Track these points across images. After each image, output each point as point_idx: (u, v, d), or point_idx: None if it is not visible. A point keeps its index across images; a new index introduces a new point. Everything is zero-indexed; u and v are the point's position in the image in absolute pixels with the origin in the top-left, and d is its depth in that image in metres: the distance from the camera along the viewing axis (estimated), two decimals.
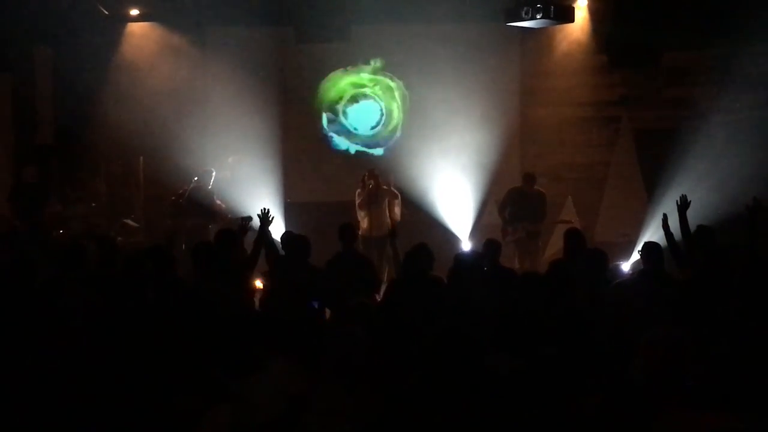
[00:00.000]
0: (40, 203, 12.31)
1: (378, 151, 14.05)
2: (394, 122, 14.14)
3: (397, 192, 12.34)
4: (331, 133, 14.21)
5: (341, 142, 14.20)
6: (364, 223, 11.85)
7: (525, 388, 4.45)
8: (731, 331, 5.74)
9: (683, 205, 8.07)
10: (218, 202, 12.27)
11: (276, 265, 8.31)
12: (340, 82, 14.15)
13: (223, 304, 6.49)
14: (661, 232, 8.12)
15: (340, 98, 14.18)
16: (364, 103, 14.25)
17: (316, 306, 7.60)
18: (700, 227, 8.10)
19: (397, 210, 12.28)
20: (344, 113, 14.21)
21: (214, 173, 12.30)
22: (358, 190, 12.14)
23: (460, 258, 7.84)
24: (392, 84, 14.06)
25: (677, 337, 4.86)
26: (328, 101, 14.17)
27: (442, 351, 4.56)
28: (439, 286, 7.50)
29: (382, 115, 14.20)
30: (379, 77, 14.10)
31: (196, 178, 12.29)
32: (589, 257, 7.67)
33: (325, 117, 14.19)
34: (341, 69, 14.06)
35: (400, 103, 14.08)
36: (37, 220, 11.95)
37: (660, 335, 4.93)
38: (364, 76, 14.13)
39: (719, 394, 4.31)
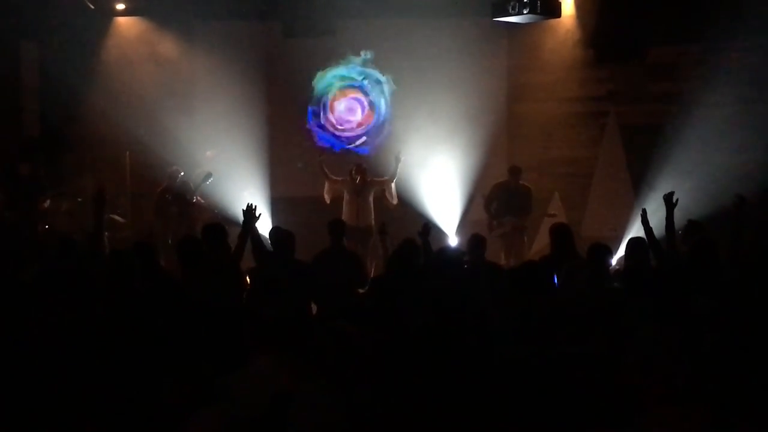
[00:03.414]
0: (35, 197, 12.33)
1: (363, 150, 14.06)
2: (381, 118, 14.13)
3: (380, 179, 12.37)
4: (316, 128, 14.20)
5: (325, 138, 14.17)
6: (349, 213, 11.84)
7: (512, 383, 4.45)
8: (717, 327, 5.76)
9: (670, 201, 7.98)
10: (198, 199, 12.29)
11: (262, 261, 8.29)
12: (328, 76, 14.14)
13: (209, 300, 6.48)
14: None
15: (326, 92, 14.18)
16: (350, 98, 14.22)
17: None
18: (690, 222, 8.08)
19: (393, 192, 12.44)
20: (330, 107, 14.21)
21: (212, 176, 12.27)
22: (343, 178, 12.16)
23: (442, 253, 7.84)
24: (381, 78, 14.05)
25: (665, 333, 4.88)
26: (316, 95, 14.17)
27: (427, 346, 4.56)
28: (427, 281, 7.50)
29: (367, 109, 14.18)
30: (369, 70, 14.09)
31: (182, 173, 12.29)
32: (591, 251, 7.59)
33: (310, 111, 14.19)
34: (333, 62, 14.06)
35: (388, 98, 14.08)
36: (28, 213, 11.94)
37: (648, 332, 4.95)
38: (353, 69, 14.11)
39: (707, 390, 4.33)
